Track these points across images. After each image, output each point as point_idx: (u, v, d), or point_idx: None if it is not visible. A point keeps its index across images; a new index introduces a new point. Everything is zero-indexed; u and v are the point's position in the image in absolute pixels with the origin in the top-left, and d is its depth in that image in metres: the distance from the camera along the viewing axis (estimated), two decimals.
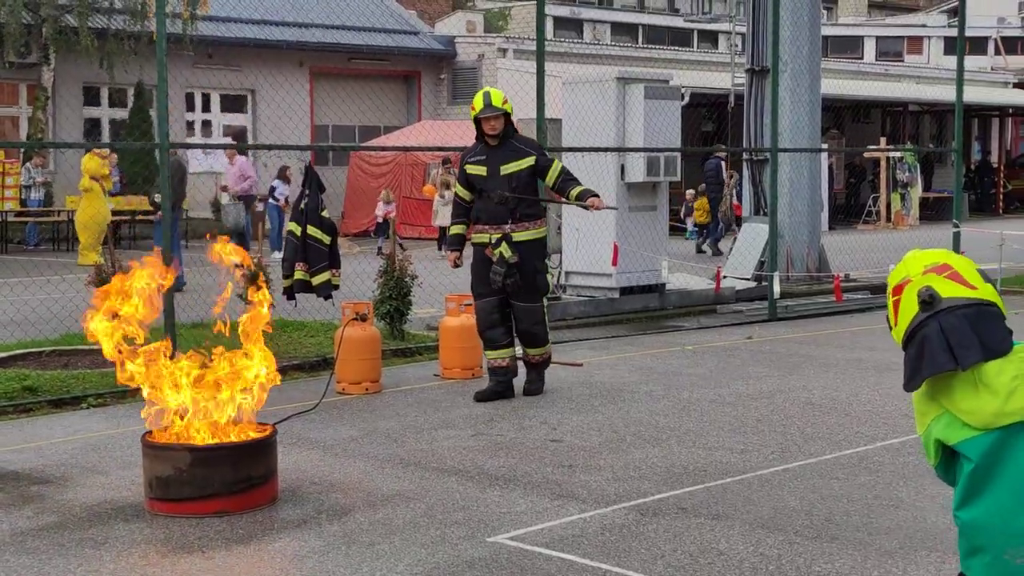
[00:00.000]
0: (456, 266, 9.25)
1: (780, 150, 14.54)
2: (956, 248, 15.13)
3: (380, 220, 23.97)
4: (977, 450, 3.12)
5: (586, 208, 9.22)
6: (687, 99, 25.18)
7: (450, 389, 9.42)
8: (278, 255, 19.85)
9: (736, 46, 32.70)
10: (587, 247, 13.49)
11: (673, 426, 8.07)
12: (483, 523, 5.88)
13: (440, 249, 23.02)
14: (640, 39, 41.00)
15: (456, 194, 9.27)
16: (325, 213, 10.27)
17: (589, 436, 7.76)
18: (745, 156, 17.07)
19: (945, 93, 33.24)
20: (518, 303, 9.04)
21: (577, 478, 6.72)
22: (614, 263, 13.13)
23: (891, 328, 3.33)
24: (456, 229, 9.18)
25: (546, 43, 12.25)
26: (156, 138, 25.91)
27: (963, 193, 31.79)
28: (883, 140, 33.24)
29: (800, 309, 14.30)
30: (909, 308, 3.25)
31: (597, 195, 9.10)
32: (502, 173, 8.90)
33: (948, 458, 3.23)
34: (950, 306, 3.20)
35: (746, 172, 16.96)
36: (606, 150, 13.16)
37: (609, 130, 13.33)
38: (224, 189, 20.59)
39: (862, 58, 47.30)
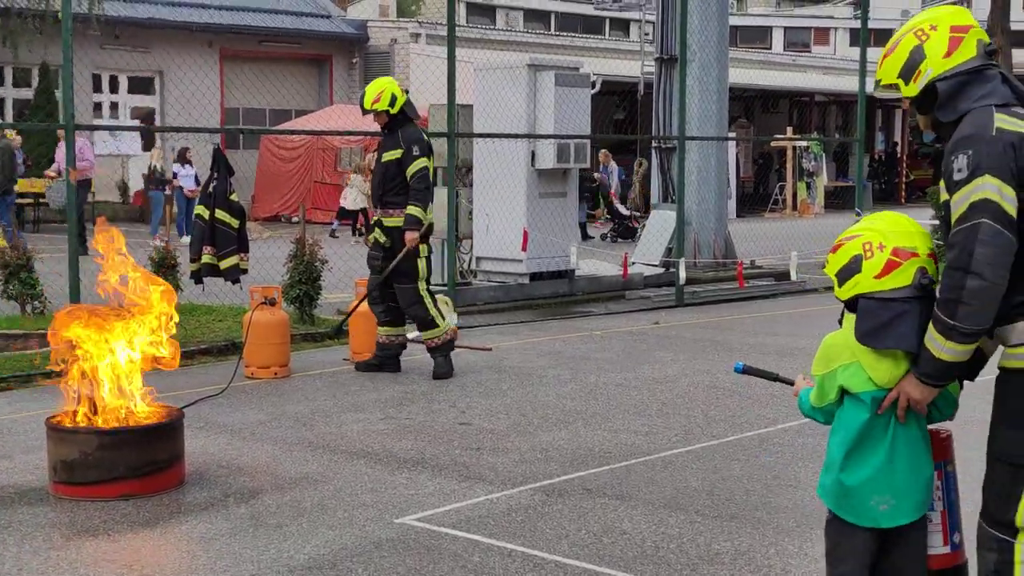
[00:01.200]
0: None
1: (688, 138, 14.74)
2: None
3: (348, 208, 23.69)
4: (875, 403, 3.57)
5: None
6: (599, 87, 25.38)
7: (360, 374, 9.43)
8: (186, 239, 19.69)
9: (647, 34, 32.98)
10: (497, 233, 13.58)
11: (580, 409, 8.18)
12: (391, 505, 5.93)
13: (354, 234, 22.98)
14: (552, 26, 41.16)
15: None
16: (234, 197, 10.21)
17: (497, 419, 7.84)
18: (654, 144, 17.26)
19: (851, 84, 33.80)
20: (396, 285, 9.31)
21: (484, 460, 6.80)
22: (523, 249, 13.22)
23: (854, 272, 3.60)
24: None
25: (459, 29, 12.28)
26: (61, 119, 25.41)
27: (868, 183, 32.49)
28: (790, 130, 33.78)
29: (706, 295, 14.53)
30: (902, 277, 3.54)
31: (417, 231, 9.18)
32: (382, 159, 9.32)
33: (835, 404, 3.67)
34: (934, 297, 3.52)
35: (655, 160, 17.16)
36: (517, 136, 13.24)
37: (520, 116, 13.41)
38: (55, 175, 19.89)
39: (770, 48, 47.96)
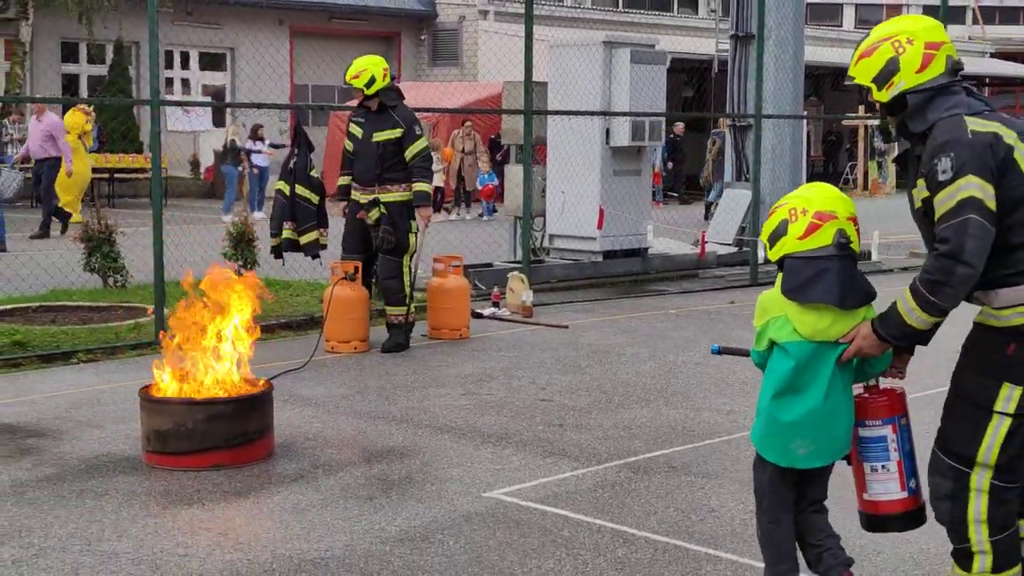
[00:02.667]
0: (344, 215, 9.72)
1: (764, 116, 14.61)
2: None
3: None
4: (799, 353, 4.01)
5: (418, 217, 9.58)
6: (667, 64, 25.24)
7: (438, 349, 9.50)
8: (258, 215, 19.87)
9: (714, 11, 32.71)
10: (572, 211, 13.56)
11: (660, 387, 8.18)
12: (478, 479, 5.98)
13: (437, 211, 22.94)
14: (620, 3, 40.91)
15: (344, 147, 9.75)
16: (314, 172, 10.28)
17: (578, 396, 7.86)
18: (728, 122, 17.13)
19: None
20: (382, 255, 9.50)
21: (568, 437, 6.82)
22: (599, 227, 13.20)
23: (781, 234, 4.04)
24: (344, 180, 9.69)
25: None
26: (136, 94, 25.55)
27: None
28: (861, 108, 33.37)
29: None
30: (823, 238, 4.01)
31: (430, 206, 9.63)
32: (373, 139, 9.42)
33: (767, 352, 4.12)
34: (852, 256, 4.05)
35: (728, 138, 17.05)
36: (592, 114, 13.20)
37: (595, 94, 13.37)
38: (23, 160, 18.24)
39: (841, 25, 47.34)
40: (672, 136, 27.62)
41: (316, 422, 7.11)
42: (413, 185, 9.38)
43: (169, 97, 27.61)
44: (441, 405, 7.57)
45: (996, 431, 3.87)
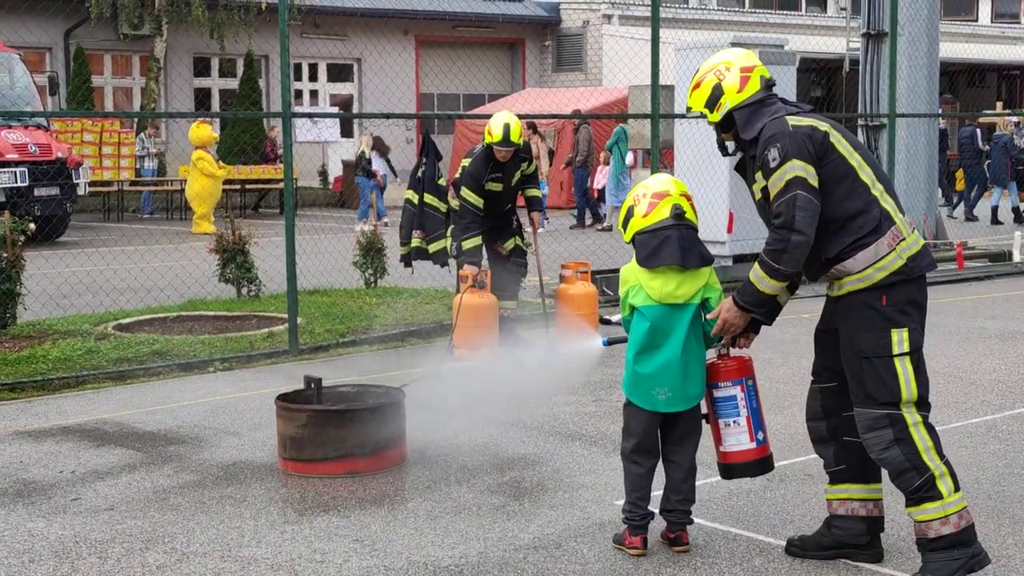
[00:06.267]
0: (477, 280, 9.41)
1: (898, 115, 14.28)
2: None
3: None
4: (652, 315, 4.82)
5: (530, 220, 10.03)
6: (796, 64, 24.84)
7: None
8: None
9: (844, 9, 32.09)
10: (701, 214, 13.34)
11: (794, 394, 8.02)
12: (610, 487, 5.94)
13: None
14: (747, 3, 40.46)
15: (473, 206, 9.46)
16: (442, 181, 10.35)
17: None
18: (860, 122, 16.79)
19: None
20: (518, 265, 9.96)
21: (700, 444, 6.71)
22: (729, 231, 13.05)
23: (630, 217, 4.91)
24: (475, 242, 9.49)
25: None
26: (266, 107, 26.01)
27: None
28: (999, 104, 32.45)
29: None
30: (662, 212, 4.85)
31: (543, 210, 10.18)
32: (513, 182, 9.65)
33: (630, 317, 4.90)
34: (688, 225, 4.89)
35: (861, 138, 16.70)
36: None
37: None
38: None
39: (976, 20, 46.04)
40: None
41: (447, 429, 7.13)
42: (526, 191, 9.83)
43: (298, 109, 28.16)
44: (571, 412, 7.55)
45: (905, 370, 4.53)
